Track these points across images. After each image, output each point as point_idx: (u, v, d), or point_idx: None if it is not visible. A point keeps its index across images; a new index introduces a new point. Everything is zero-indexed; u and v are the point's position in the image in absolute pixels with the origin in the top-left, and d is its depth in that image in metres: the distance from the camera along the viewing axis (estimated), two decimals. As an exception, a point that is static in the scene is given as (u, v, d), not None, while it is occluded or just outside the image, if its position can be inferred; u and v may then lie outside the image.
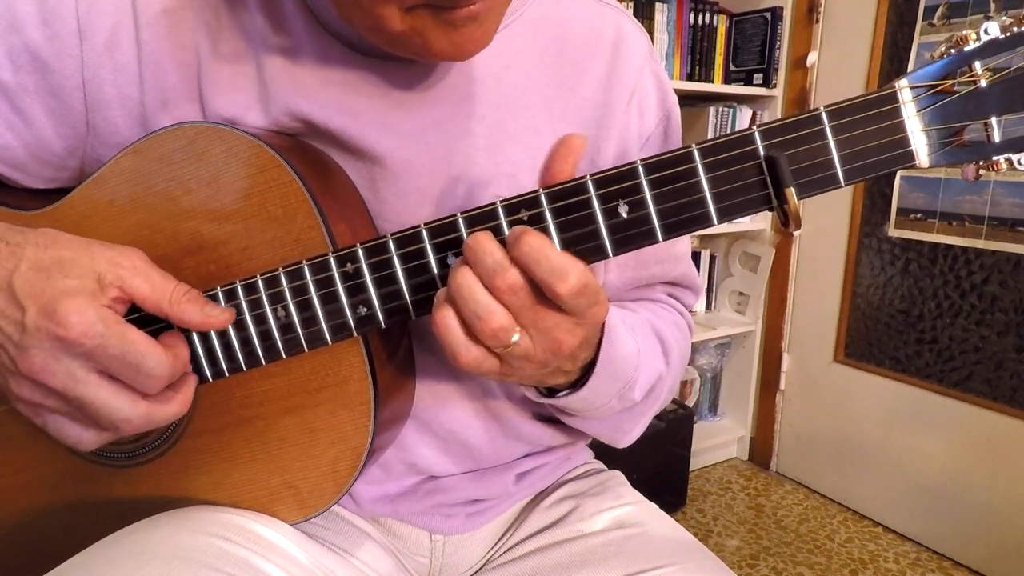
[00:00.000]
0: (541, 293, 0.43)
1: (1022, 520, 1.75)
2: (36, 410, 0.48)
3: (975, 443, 1.83)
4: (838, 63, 2.06)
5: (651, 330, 0.64)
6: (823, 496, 2.21)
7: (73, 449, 0.50)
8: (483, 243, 0.43)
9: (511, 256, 0.43)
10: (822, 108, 0.44)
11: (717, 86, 2.14)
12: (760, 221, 2.25)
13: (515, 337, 0.44)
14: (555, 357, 0.46)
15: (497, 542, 0.70)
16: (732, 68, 2.20)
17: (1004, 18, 0.42)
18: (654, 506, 0.71)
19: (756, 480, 2.32)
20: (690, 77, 2.10)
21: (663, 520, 0.68)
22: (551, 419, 0.69)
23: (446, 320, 0.45)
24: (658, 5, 1.98)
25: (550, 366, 0.47)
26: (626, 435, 0.67)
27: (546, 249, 0.42)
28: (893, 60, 1.92)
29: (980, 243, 1.77)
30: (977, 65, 0.43)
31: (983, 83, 0.43)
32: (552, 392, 0.56)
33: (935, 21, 1.81)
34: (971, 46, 0.43)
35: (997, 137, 0.43)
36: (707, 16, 2.10)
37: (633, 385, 0.58)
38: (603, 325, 0.52)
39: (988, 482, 1.81)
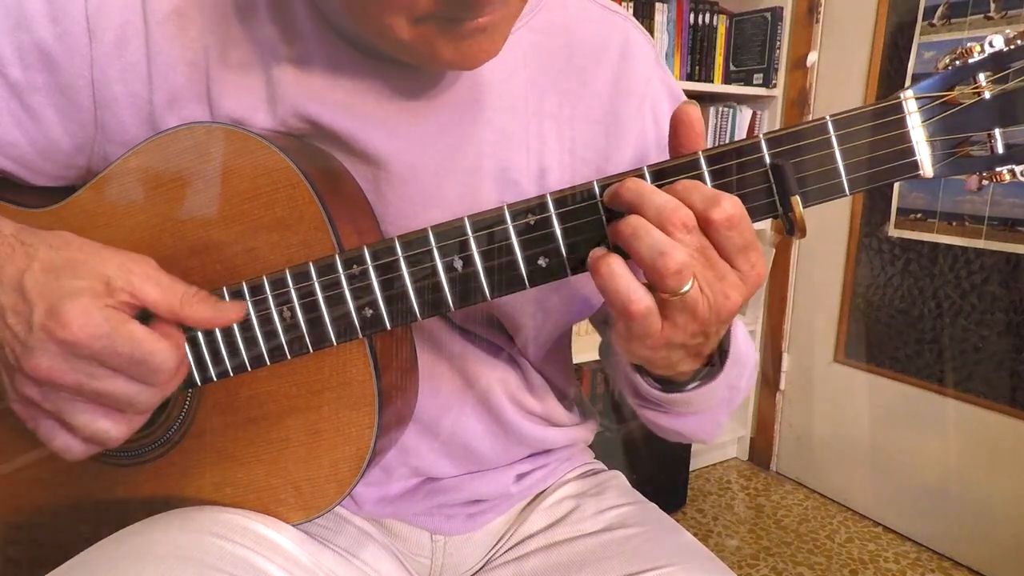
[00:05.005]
0: (708, 239, 0.43)
1: (1022, 520, 1.75)
2: (32, 412, 0.48)
3: (975, 443, 1.83)
4: (838, 63, 2.06)
5: None
6: (823, 496, 2.22)
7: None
8: (645, 186, 0.43)
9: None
10: (828, 117, 0.44)
11: (717, 86, 2.14)
12: (760, 221, 2.24)
13: (688, 284, 0.42)
14: (716, 318, 0.45)
15: (498, 542, 0.71)
16: (732, 68, 2.19)
17: (1008, 31, 0.43)
18: (654, 506, 0.71)
19: (756, 480, 2.32)
20: (690, 77, 2.10)
21: (663, 520, 0.69)
22: (553, 422, 0.69)
23: (613, 267, 0.42)
24: (658, 5, 1.98)
25: (708, 330, 0.46)
26: (719, 427, 0.66)
27: (699, 183, 0.43)
28: (893, 60, 1.92)
29: (980, 243, 1.77)
30: (981, 77, 0.43)
31: (987, 95, 0.43)
32: (669, 386, 0.56)
33: (935, 21, 1.81)
34: (975, 58, 0.43)
35: (1000, 148, 0.44)
36: (707, 16, 2.09)
37: (744, 371, 0.58)
38: None
39: (988, 482, 1.81)
